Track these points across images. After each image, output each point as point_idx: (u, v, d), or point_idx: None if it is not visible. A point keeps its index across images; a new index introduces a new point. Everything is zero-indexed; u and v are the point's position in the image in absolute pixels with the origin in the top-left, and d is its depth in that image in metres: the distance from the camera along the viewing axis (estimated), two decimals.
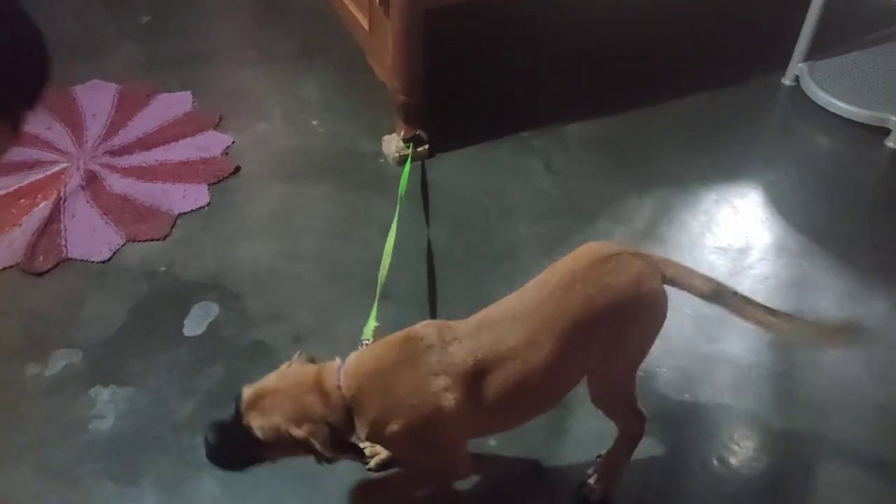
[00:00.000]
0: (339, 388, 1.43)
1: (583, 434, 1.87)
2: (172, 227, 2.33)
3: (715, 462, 1.86)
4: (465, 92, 2.93)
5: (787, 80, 3.05)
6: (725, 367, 2.06)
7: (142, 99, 2.75)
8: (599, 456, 1.78)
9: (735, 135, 2.85)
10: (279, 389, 1.44)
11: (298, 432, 1.40)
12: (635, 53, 3.14)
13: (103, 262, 2.21)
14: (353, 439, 1.47)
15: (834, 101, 2.88)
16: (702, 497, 1.79)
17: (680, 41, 3.24)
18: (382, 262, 1.91)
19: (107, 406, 1.88)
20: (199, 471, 1.75)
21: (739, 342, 2.13)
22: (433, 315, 2.11)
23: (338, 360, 1.49)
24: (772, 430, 1.94)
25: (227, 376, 1.94)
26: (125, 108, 2.70)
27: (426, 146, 2.64)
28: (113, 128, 2.62)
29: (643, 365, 1.97)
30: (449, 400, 1.42)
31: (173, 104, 2.75)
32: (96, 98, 2.73)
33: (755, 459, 1.88)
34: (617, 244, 1.58)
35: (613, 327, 1.50)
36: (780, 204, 2.58)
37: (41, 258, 2.19)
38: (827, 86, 2.93)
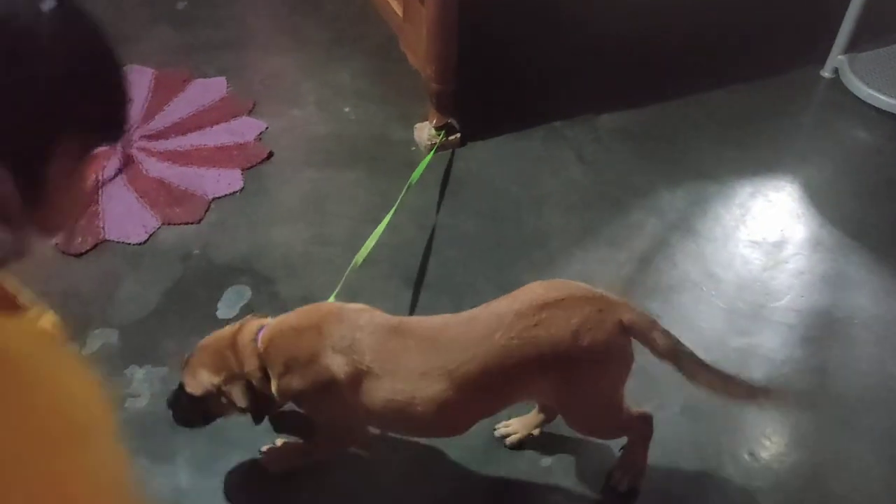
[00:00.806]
0: (255, 342, 1.51)
1: None
2: (206, 211, 2.36)
3: (746, 456, 1.84)
4: (497, 81, 2.92)
5: (826, 73, 2.99)
6: (758, 361, 2.04)
7: (178, 84, 2.78)
8: (622, 449, 1.78)
9: (771, 128, 2.81)
10: (204, 346, 1.56)
11: (216, 382, 1.50)
12: (671, 43, 3.11)
13: (140, 244, 2.25)
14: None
15: (875, 94, 2.83)
16: (731, 490, 1.78)
17: (717, 32, 3.19)
18: (366, 244, 1.96)
19: (142, 385, 1.91)
20: (232, 449, 1.78)
21: (772, 336, 2.11)
22: (455, 306, 2.11)
23: (269, 318, 1.57)
24: (804, 426, 1.92)
25: None
26: (161, 93, 2.73)
27: (458, 135, 2.64)
28: (150, 112, 2.66)
29: None
30: (341, 378, 1.47)
31: (209, 90, 2.78)
32: (133, 83, 2.74)
33: (787, 455, 1.86)
34: (570, 284, 1.50)
35: (548, 377, 1.46)
36: (817, 198, 2.54)
37: (80, 239, 2.23)
38: (868, 78, 2.87)
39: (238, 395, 1.50)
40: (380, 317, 1.53)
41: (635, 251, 2.33)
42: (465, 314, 1.51)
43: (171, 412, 1.62)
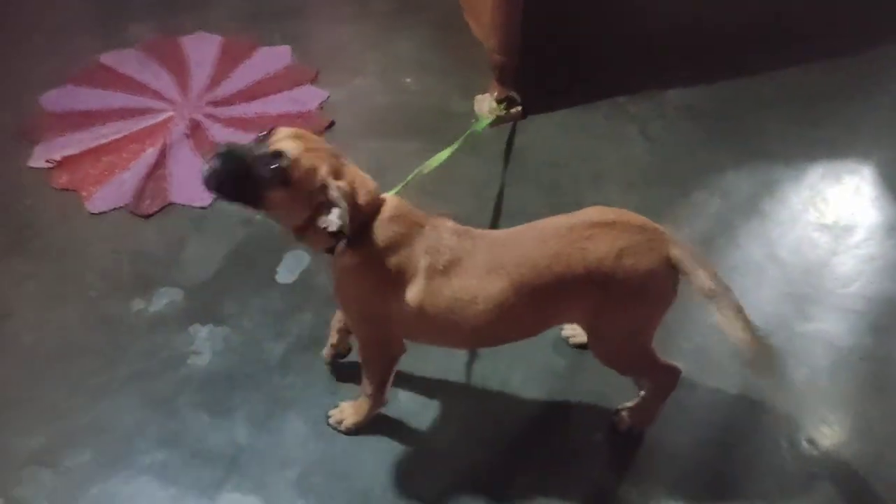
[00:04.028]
0: (375, 195, 1.49)
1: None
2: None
3: (804, 442, 1.79)
4: (560, 54, 2.87)
5: None
6: (823, 348, 1.98)
7: (244, 51, 2.82)
8: (620, 410, 1.79)
9: (846, 108, 2.70)
10: (321, 147, 1.44)
11: (333, 183, 1.40)
12: (744, 19, 3.00)
13: (204, 207, 2.31)
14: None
15: None
16: (787, 475, 1.74)
17: (792, 7, 3.06)
18: (437, 156, 1.94)
19: (204, 343, 1.97)
20: (288, 409, 1.83)
21: (838, 323, 2.04)
22: None
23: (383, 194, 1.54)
24: (867, 417, 1.86)
25: (316, 323, 2.00)
26: (228, 60, 2.78)
27: (519, 108, 2.61)
28: (216, 79, 2.71)
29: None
30: (416, 278, 1.47)
31: (273, 58, 2.82)
32: (201, 49, 2.82)
33: (847, 444, 1.81)
34: (627, 212, 1.53)
35: (590, 294, 1.48)
36: (893, 181, 2.43)
37: (148, 201, 2.31)
38: None
39: (343, 215, 1.39)
40: (454, 225, 1.56)
41: (697, 230, 2.27)
42: (526, 225, 1.56)
43: (216, 163, 1.40)
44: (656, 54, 2.89)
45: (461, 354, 1.93)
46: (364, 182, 1.49)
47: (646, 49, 2.91)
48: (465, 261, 1.49)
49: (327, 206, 1.41)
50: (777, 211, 2.35)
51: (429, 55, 2.87)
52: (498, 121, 2.56)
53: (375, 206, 1.49)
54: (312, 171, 1.40)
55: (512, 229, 1.58)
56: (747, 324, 1.49)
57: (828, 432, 1.82)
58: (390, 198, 1.53)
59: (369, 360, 1.69)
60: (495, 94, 2.58)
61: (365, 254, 1.48)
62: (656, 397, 1.73)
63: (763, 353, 1.54)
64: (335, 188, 1.40)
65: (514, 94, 2.60)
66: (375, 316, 1.56)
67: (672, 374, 1.68)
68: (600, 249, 1.46)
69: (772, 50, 2.88)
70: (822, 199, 2.37)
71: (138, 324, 2.01)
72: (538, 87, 2.65)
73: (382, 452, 1.76)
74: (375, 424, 1.79)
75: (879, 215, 2.34)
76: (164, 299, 2.07)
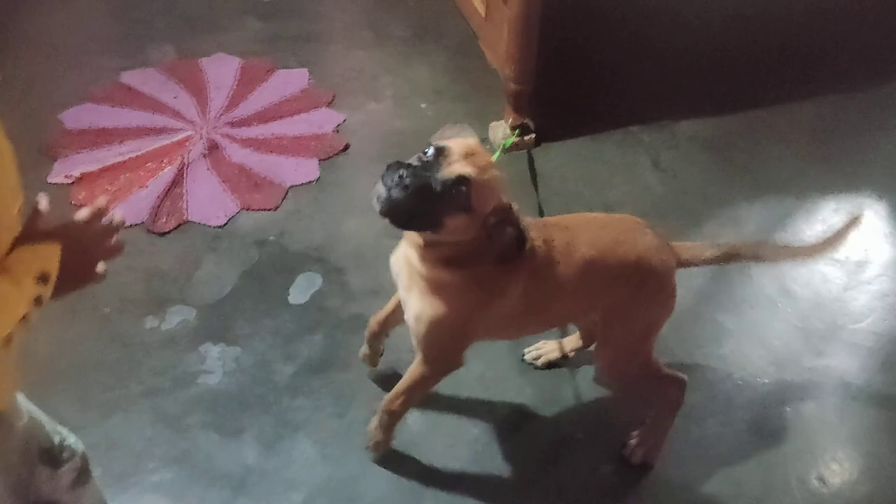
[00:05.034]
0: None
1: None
2: (283, 199, 2.43)
3: (814, 480, 1.78)
4: (574, 83, 2.90)
5: None
6: (833, 384, 1.97)
7: (262, 74, 2.87)
8: (629, 440, 1.80)
9: (860, 142, 2.71)
10: (488, 163, 1.41)
11: (514, 206, 1.41)
12: (758, 51, 3.02)
13: (219, 226, 2.33)
14: None
15: None
16: None
17: (807, 41, 3.09)
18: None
19: (215, 363, 1.98)
20: (296, 431, 1.84)
21: (849, 359, 2.03)
22: None
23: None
24: (878, 456, 1.85)
25: (327, 345, 2.02)
26: (246, 82, 2.82)
27: (532, 135, 2.63)
28: (234, 100, 2.75)
29: (743, 373, 1.93)
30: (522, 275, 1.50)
31: (291, 80, 2.86)
32: (220, 71, 2.87)
33: (858, 483, 1.79)
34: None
35: (628, 284, 1.56)
36: None
37: (164, 219, 2.33)
38: None
39: (522, 235, 1.41)
40: (530, 218, 1.58)
41: None
42: (579, 214, 1.73)
43: (394, 194, 1.34)
44: (670, 85, 2.92)
45: (470, 379, 1.93)
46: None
47: (659, 79, 2.94)
48: (554, 248, 1.53)
49: (501, 225, 1.41)
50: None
51: (444, 81, 2.90)
52: (511, 147, 2.58)
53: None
54: (491, 193, 1.39)
55: (570, 216, 1.68)
56: (776, 246, 1.68)
57: (838, 470, 1.81)
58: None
59: (427, 377, 1.64)
60: (510, 120, 2.61)
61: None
62: (664, 415, 1.74)
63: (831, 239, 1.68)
64: (515, 209, 1.42)
65: (528, 121, 2.63)
66: (467, 329, 1.56)
67: (677, 384, 1.70)
68: (647, 241, 1.57)
69: (785, 83, 2.89)
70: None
71: (151, 341, 2.03)
72: (552, 116, 2.67)
73: (390, 477, 1.76)
74: (403, 445, 1.79)
75: (892, 251, 2.33)
76: (177, 318, 2.08)
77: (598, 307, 1.63)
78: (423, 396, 1.72)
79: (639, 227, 1.60)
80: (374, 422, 1.76)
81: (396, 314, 1.79)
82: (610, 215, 1.71)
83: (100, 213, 1.13)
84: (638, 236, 1.58)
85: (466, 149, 1.39)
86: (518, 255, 1.44)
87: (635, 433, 1.79)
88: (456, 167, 1.36)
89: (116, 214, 1.19)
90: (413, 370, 1.65)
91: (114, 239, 1.17)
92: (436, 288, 1.50)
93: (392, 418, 1.72)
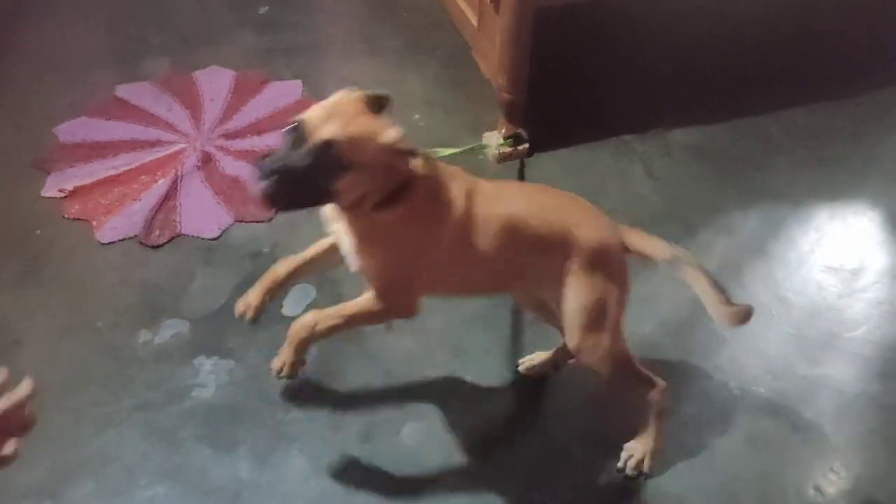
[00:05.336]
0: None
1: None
2: (277, 211, 2.42)
3: (811, 490, 1.78)
4: (567, 93, 2.91)
5: None
6: (828, 393, 1.97)
7: (256, 86, 2.87)
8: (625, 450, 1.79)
9: (855, 148, 2.71)
10: (356, 109, 1.40)
11: (389, 132, 1.38)
12: (750, 59, 3.03)
13: (213, 239, 2.33)
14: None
15: None
16: None
17: (799, 47, 3.09)
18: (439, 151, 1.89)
19: (209, 376, 1.98)
20: (290, 445, 1.83)
21: (845, 368, 2.03)
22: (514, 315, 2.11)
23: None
24: (875, 465, 1.84)
25: (322, 358, 2.01)
26: (240, 94, 2.83)
27: (526, 145, 2.63)
28: (228, 112, 2.75)
29: (738, 382, 1.93)
30: (453, 219, 1.51)
31: (285, 92, 2.86)
32: (214, 83, 2.87)
33: (855, 492, 1.79)
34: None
35: (568, 252, 1.57)
36: None
37: (157, 232, 2.33)
38: None
39: (405, 141, 1.40)
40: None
41: None
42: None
43: (267, 187, 1.32)
44: (663, 93, 2.92)
45: (464, 390, 1.92)
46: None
47: (652, 88, 2.94)
48: (476, 202, 1.55)
49: (396, 161, 1.40)
50: (783, 252, 2.35)
51: (438, 92, 2.90)
52: (505, 157, 2.58)
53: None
54: (364, 139, 1.36)
55: (517, 182, 1.80)
56: (712, 279, 1.58)
57: (834, 480, 1.80)
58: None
59: (375, 312, 1.62)
60: (503, 130, 2.61)
61: (416, 201, 1.48)
62: (653, 422, 1.73)
63: (731, 307, 1.60)
64: (393, 134, 1.39)
65: (521, 131, 2.63)
66: (412, 269, 1.57)
67: (650, 384, 1.69)
68: (584, 216, 1.63)
69: (779, 91, 2.90)
70: (828, 241, 2.38)
71: (144, 355, 2.02)
72: (545, 125, 2.68)
73: (385, 490, 1.75)
74: (377, 460, 1.78)
75: (887, 259, 2.34)
76: (171, 331, 2.08)
77: (534, 276, 1.63)
78: (354, 330, 1.69)
79: (582, 204, 1.66)
80: (287, 344, 1.72)
81: (312, 265, 1.77)
82: (560, 191, 1.73)
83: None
84: (575, 210, 1.63)
85: (324, 111, 1.37)
86: (409, 166, 1.42)
87: (629, 444, 1.78)
88: (317, 134, 1.33)
89: (26, 383, 1.05)
90: (364, 300, 1.61)
91: (26, 410, 1.03)
92: (371, 235, 1.52)
93: (311, 338, 1.66)
